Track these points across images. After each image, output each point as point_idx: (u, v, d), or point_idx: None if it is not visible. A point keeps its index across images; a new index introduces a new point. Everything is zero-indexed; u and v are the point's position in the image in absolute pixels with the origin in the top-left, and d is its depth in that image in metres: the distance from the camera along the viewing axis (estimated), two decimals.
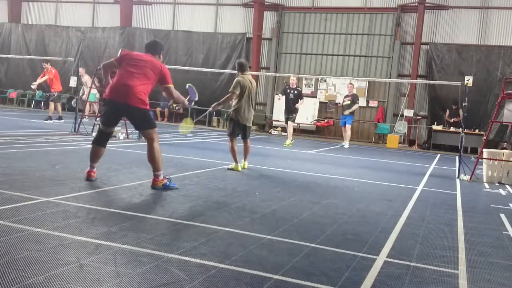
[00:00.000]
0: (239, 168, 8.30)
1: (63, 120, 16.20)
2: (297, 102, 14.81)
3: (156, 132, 6.17)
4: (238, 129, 8.41)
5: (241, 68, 8.45)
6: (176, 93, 6.49)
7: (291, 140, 14.71)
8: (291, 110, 14.82)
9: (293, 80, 15.18)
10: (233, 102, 8.42)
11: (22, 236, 3.67)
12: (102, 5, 25.48)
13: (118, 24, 24.31)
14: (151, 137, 6.10)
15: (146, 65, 6.15)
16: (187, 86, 7.41)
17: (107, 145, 6.40)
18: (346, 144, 16.03)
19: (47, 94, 17.38)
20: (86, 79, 17.64)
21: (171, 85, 6.37)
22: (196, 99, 7.27)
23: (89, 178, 6.16)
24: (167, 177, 6.23)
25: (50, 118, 16.17)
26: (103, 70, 6.46)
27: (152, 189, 6.00)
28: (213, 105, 8.56)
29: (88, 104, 16.62)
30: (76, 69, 16.37)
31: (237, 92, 8.19)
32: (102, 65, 6.48)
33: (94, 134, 12.28)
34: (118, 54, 6.64)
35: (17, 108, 23.55)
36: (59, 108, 16.86)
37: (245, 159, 8.64)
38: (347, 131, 16.08)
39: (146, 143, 6.20)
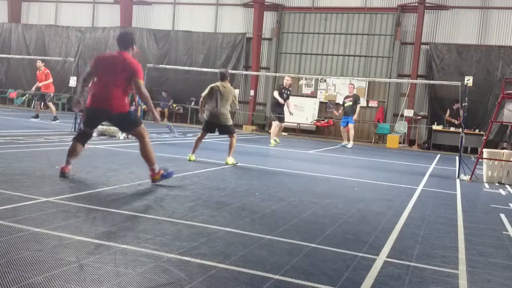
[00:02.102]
0: (192, 158, 9.02)
1: (39, 119, 16.14)
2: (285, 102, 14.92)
3: (143, 128, 6.29)
4: (205, 124, 9.23)
5: (220, 77, 9.29)
6: (144, 92, 6.24)
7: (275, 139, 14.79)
8: (282, 110, 14.78)
9: (288, 80, 15.16)
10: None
11: (22, 236, 3.67)
12: (102, 5, 25.48)
13: (118, 24, 24.31)
14: (140, 134, 6.25)
15: (118, 67, 6.16)
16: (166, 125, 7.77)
17: (86, 145, 6.55)
18: (350, 144, 16.02)
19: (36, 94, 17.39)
20: None
21: (140, 81, 6.20)
22: (173, 134, 7.41)
23: (62, 173, 6.16)
24: (163, 168, 6.37)
25: (56, 118, 16.21)
26: (83, 83, 6.49)
27: (153, 184, 6.18)
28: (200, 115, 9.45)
29: None
30: (76, 69, 16.37)
31: (203, 94, 9.17)
32: (83, 79, 6.51)
33: (94, 134, 12.33)
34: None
35: (17, 108, 23.56)
36: (39, 108, 16.92)
37: (228, 154, 9.14)
38: (351, 130, 16.08)
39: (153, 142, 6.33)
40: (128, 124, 6.34)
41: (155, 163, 6.28)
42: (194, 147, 9.25)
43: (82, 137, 6.49)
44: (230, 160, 9.06)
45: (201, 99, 9.25)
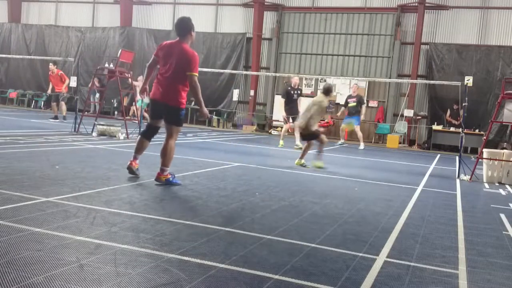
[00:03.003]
0: (299, 163, 9.59)
1: (58, 120, 16.19)
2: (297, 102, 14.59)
3: (178, 131, 6.51)
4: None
5: (324, 92, 10.31)
6: (195, 86, 6.23)
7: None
8: (296, 111, 14.24)
9: (296, 80, 14.82)
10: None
11: (22, 236, 3.67)
12: (102, 5, 25.49)
13: (118, 24, 24.32)
14: (171, 133, 6.38)
15: (175, 58, 6.22)
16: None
17: (150, 141, 6.73)
18: (361, 145, 16.19)
19: (48, 95, 17.39)
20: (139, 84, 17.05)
21: (193, 74, 6.20)
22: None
23: (130, 168, 6.54)
24: (171, 173, 6.42)
25: (56, 117, 16.23)
26: (147, 70, 6.59)
27: (155, 183, 6.28)
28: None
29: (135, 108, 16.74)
30: (76, 69, 16.37)
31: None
32: (148, 65, 6.60)
33: (94, 134, 12.37)
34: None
35: (17, 108, 23.56)
36: (60, 108, 16.86)
37: (301, 157, 9.68)
38: (358, 132, 16.25)
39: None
40: (174, 118, 6.39)
41: (168, 167, 6.37)
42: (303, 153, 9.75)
43: (148, 132, 6.63)
44: (302, 161, 9.58)
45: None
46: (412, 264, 3.88)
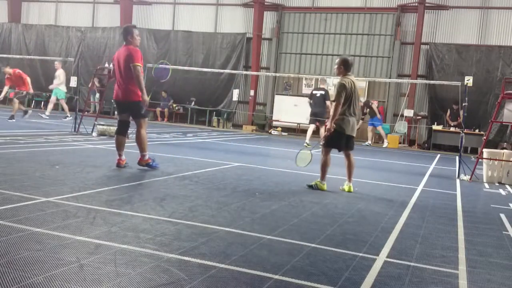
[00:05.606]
0: (325, 187, 6.94)
1: (15, 120, 15.87)
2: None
3: (145, 121, 7.44)
4: (337, 138, 6.92)
5: (346, 67, 6.86)
6: (138, 74, 7.07)
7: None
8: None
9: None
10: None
11: (22, 236, 3.67)
12: (102, 5, 25.48)
13: (118, 24, 24.29)
14: (140, 124, 7.36)
15: (123, 60, 7.19)
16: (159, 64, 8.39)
17: (125, 138, 7.58)
18: (368, 142, 18.20)
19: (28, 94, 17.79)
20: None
21: (136, 64, 7.09)
22: (163, 80, 8.35)
23: (119, 165, 7.28)
24: (152, 158, 7.40)
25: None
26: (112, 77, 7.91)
27: (138, 167, 7.29)
28: (328, 125, 6.90)
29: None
30: (76, 69, 16.37)
31: (340, 99, 6.71)
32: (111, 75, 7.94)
33: (94, 134, 12.38)
34: None
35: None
36: (20, 106, 16.84)
37: (349, 179, 7.06)
38: (370, 132, 18.52)
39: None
40: (138, 112, 7.31)
41: (146, 152, 7.32)
42: (324, 172, 6.98)
43: (120, 128, 7.50)
44: (352, 187, 7.03)
45: (336, 105, 6.67)
46: (412, 264, 3.88)
